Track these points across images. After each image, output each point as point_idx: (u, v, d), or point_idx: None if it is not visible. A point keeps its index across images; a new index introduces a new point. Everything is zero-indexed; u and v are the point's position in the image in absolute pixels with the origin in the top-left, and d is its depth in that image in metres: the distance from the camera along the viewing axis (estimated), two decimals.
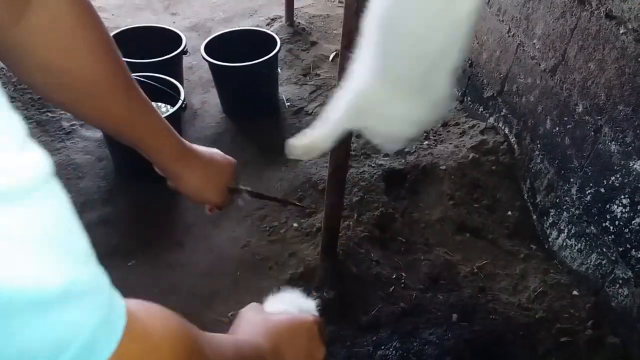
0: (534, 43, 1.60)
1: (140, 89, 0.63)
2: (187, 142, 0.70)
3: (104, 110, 0.60)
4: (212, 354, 0.44)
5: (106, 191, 1.79)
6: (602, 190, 1.34)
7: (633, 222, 1.24)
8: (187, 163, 0.69)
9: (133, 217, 1.74)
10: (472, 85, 2.00)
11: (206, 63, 2.00)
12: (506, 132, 1.80)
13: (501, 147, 1.79)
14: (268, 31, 2.21)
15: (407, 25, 0.57)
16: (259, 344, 0.57)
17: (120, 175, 1.83)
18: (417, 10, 0.54)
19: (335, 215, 1.36)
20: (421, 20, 0.55)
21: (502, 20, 1.76)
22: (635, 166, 1.23)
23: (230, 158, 0.77)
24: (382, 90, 0.61)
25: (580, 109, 1.42)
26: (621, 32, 1.26)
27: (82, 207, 1.69)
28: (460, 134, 1.92)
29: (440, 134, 1.95)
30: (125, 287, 0.35)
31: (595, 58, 1.36)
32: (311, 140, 0.70)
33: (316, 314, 0.69)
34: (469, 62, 1.99)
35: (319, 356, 0.63)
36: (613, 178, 1.30)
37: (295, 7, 2.66)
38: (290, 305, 0.67)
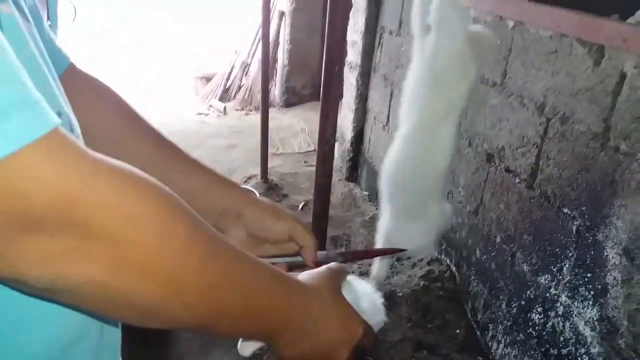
0: (460, 191, 2.06)
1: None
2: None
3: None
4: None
5: None
6: (523, 302, 1.68)
7: (547, 325, 1.57)
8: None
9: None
10: None
11: None
12: (448, 262, 2.18)
13: (445, 275, 2.14)
14: (246, 186, 2.65)
15: (407, 179, 0.97)
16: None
17: None
18: (412, 169, 0.95)
19: None
20: (415, 176, 0.95)
21: None
22: (541, 280, 1.59)
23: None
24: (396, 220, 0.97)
25: (498, 239, 1.82)
26: (517, 181, 1.72)
27: None
28: (412, 265, 2.28)
29: (396, 267, 2.31)
30: None
31: (503, 201, 1.80)
32: None
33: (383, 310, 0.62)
34: None
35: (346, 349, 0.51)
36: (528, 292, 1.66)
37: (268, 166, 3.15)
38: (362, 295, 0.59)
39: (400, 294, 2.10)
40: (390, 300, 2.09)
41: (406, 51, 2.38)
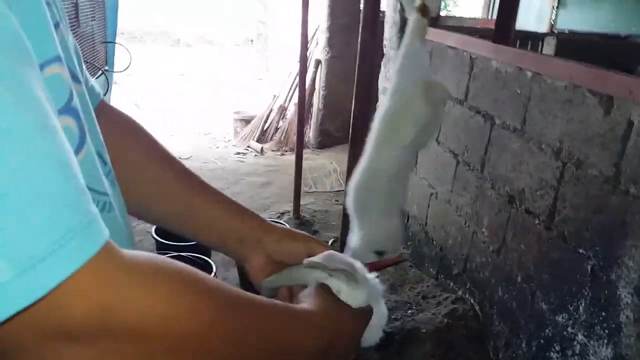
0: (483, 231, 2.13)
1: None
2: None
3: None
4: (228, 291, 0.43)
5: None
6: (542, 341, 1.72)
7: None
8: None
9: None
10: (444, 265, 2.48)
11: None
12: (472, 301, 2.22)
13: (469, 313, 2.19)
14: (279, 222, 2.78)
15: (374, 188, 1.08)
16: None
17: None
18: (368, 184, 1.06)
19: None
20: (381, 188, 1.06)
21: (460, 215, 2.32)
22: (559, 319, 1.64)
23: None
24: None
25: (519, 279, 1.88)
26: (536, 222, 1.79)
27: None
28: (437, 304, 2.33)
29: (420, 304, 2.36)
30: None
31: (524, 241, 1.86)
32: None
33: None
34: (439, 247, 2.51)
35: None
36: (547, 331, 1.70)
37: (301, 203, 3.29)
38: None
39: (424, 331, 2.15)
40: (414, 337, 2.15)
41: None
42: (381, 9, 2.30)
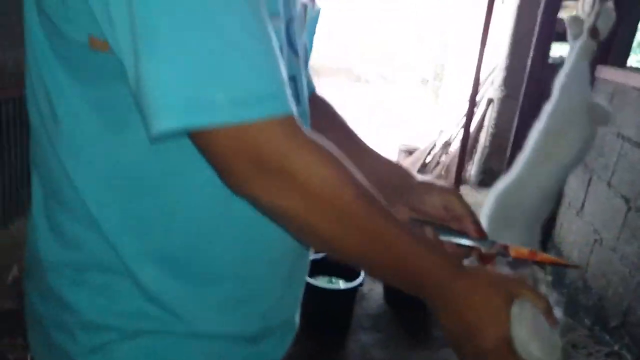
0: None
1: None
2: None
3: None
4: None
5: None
6: None
7: None
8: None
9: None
10: (600, 316, 2.32)
11: None
12: (629, 358, 2.04)
13: None
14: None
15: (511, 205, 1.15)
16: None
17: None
18: (515, 199, 1.13)
19: None
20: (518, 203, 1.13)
21: (625, 265, 2.16)
22: None
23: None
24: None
25: None
26: None
27: None
28: (587, 354, 2.18)
29: (570, 353, 2.23)
30: None
31: None
32: None
33: None
34: (597, 296, 2.35)
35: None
36: None
37: None
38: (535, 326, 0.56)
39: None
40: None
41: (610, 141, 2.40)
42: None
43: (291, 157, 0.46)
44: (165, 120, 0.42)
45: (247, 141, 0.44)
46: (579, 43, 1.18)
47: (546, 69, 1.84)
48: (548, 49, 1.90)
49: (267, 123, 0.45)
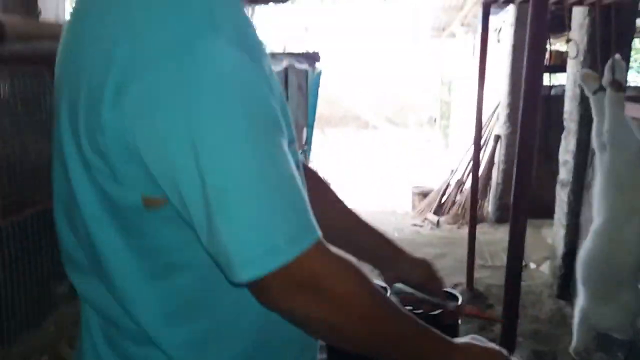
0: None
1: None
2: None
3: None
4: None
5: None
6: None
7: None
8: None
9: None
10: (634, 352, 2.26)
11: None
12: None
13: None
14: (452, 290, 2.84)
15: (599, 266, 1.20)
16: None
17: None
18: (604, 259, 1.17)
19: None
20: (606, 264, 1.17)
21: None
22: None
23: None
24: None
25: None
26: None
27: None
28: None
29: None
30: None
31: None
32: None
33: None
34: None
35: None
36: None
37: (476, 276, 3.30)
38: None
39: None
40: None
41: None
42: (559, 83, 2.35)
43: (325, 275, 0.55)
44: (251, 270, 0.52)
45: (291, 268, 0.52)
46: (607, 99, 1.27)
47: (540, 101, 1.90)
48: (539, 84, 1.96)
49: (309, 250, 0.53)
